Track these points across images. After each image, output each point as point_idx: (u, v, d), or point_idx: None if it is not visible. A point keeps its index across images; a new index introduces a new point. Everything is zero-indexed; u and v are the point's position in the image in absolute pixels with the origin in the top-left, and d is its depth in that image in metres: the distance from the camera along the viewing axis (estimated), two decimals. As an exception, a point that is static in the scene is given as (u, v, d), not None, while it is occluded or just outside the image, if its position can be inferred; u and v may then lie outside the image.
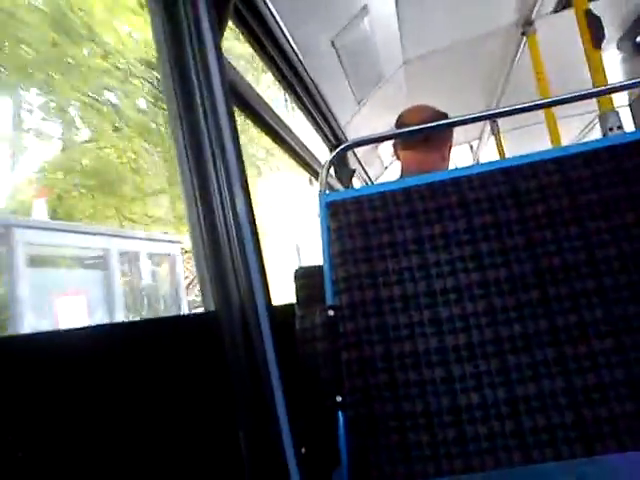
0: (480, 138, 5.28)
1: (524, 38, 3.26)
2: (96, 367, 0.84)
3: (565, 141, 3.27)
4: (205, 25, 1.39)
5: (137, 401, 0.92)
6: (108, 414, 0.84)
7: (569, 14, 2.91)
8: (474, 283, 1.40)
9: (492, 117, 1.68)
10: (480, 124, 4.96)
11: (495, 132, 4.50)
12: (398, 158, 2.17)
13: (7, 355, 0.70)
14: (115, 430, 0.85)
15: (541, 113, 3.21)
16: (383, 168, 5.07)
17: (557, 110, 3.16)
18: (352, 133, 3.57)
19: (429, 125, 1.72)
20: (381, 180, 5.02)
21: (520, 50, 3.39)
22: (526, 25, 3.17)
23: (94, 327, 0.95)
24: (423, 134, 1.94)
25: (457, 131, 2.15)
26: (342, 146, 1.63)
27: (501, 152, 4.47)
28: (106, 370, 0.86)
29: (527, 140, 4.34)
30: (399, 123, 2.08)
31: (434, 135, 2.03)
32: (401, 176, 2.11)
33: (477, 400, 1.34)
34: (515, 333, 1.35)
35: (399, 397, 1.39)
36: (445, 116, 2.01)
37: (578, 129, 5.38)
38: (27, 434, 0.70)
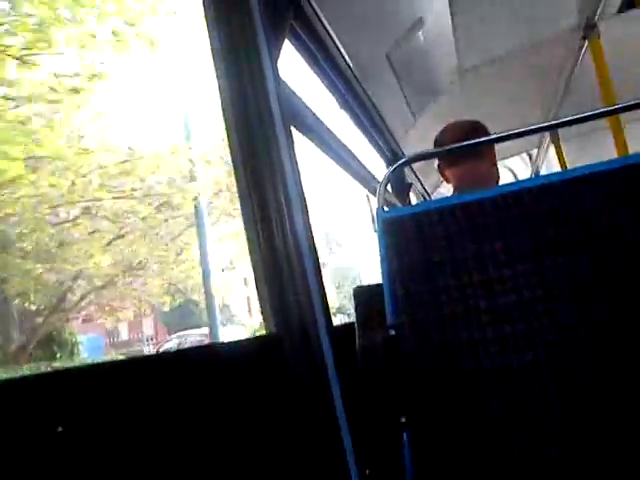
0: (539, 147, 5.13)
1: (586, 42, 3.15)
2: (163, 393, 0.84)
3: (633, 149, 3.14)
4: (262, 44, 1.40)
5: (200, 426, 0.91)
6: (174, 439, 0.84)
7: (635, 14, 2.80)
8: (538, 299, 1.34)
9: (552, 128, 1.63)
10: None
11: (555, 141, 4.36)
12: (444, 177, 2.13)
13: (81, 382, 0.71)
14: (179, 454, 0.85)
15: (606, 120, 3.08)
16: (439, 181, 5.00)
17: (623, 116, 3.03)
18: (408, 147, 3.53)
19: (488, 138, 1.68)
20: (438, 193, 4.95)
21: (582, 54, 3.28)
22: (588, 28, 3.06)
23: (160, 355, 0.95)
24: (470, 148, 1.89)
25: (515, 140, 2.09)
26: (399, 162, 1.60)
27: (562, 162, 4.33)
28: (172, 396, 0.85)
29: (591, 148, 4.19)
30: (439, 142, 2.04)
31: (480, 147, 1.98)
32: (454, 193, 2.07)
33: (546, 420, 1.28)
34: (585, 351, 1.29)
35: (464, 417, 1.34)
36: (484, 127, 1.97)
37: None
38: (100, 459, 0.70)
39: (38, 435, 0.65)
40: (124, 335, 32.75)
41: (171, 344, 23.54)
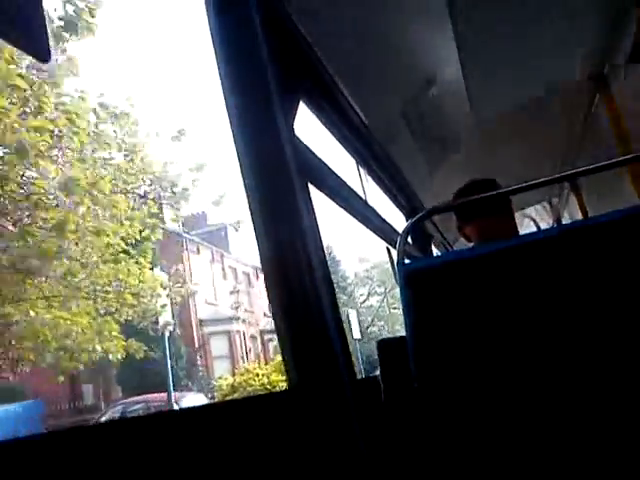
0: (560, 195, 5.12)
1: (597, 92, 3.20)
2: (185, 449, 0.83)
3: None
4: (277, 106, 1.45)
5: None
6: None
7: (644, 63, 2.83)
8: (564, 349, 1.32)
9: (570, 178, 1.64)
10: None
11: (575, 189, 4.35)
12: (464, 235, 2.15)
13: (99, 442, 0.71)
14: None
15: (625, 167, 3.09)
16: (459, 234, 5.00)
17: (643, 163, 3.03)
18: (427, 200, 3.56)
19: (505, 190, 1.70)
20: (459, 245, 4.94)
21: (595, 103, 3.32)
22: (597, 78, 3.11)
23: (183, 410, 0.95)
24: (487, 202, 1.92)
25: (537, 190, 2.11)
26: (420, 214, 1.62)
27: (583, 210, 4.31)
28: (193, 451, 0.85)
29: (611, 195, 4.17)
30: (457, 197, 2.08)
31: (498, 202, 2.02)
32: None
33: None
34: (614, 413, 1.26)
35: (489, 472, 1.31)
36: (499, 186, 2.00)
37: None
38: None
39: None
40: (89, 398, 26.98)
41: (111, 414, 19.79)
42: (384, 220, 2.57)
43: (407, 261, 1.59)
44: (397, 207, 3.28)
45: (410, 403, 1.43)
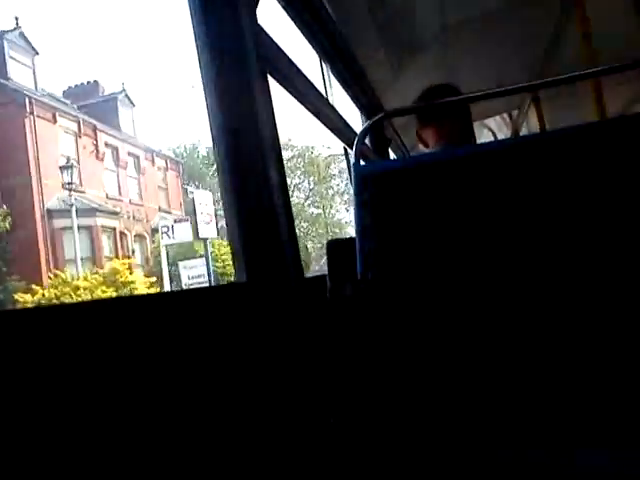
0: (520, 108, 5.12)
1: (569, 4, 3.12)
2: (130, 338, 0.84)
3: (611, 110, 3.14)
4: None
5: (171, 371, 0.92)
6: (155, 377, 0.85)
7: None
8: (508, 259, 1.36)
9: (533, 88, 1.62)
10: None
11: (536, 102, 4.35)
12: (420, 139, 2.14)
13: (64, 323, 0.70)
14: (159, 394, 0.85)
15: (586, 83, 3.07)
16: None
17: (604, 78, 3.02)
18: (389, 102, 3.50)
19: (467, 96, 1.67)
20: (417, 151, 4.94)
21: (565, 14, 3.25)
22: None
23: (131, 298, 0.95)
24: (446, 107, 1.90)
25: (497, 100, 2.09)
26: (378, 116, 1.59)
27: (542, 123, 4.33)
28: (139, 341, 0.86)
29: (570, 110, 4.18)
30: (418, 101, 2.05)
31: (457, 108, 2.00)
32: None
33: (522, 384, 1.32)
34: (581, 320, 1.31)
35: (427, 374, 1.37)
36: (460, 92, 1.98)
37: (626, 99, 5.16)
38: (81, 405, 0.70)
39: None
40: None
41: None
42: (344, 120, 2.52)
43: (363, 163, 1.58)
44: (358, 108, 3.22)
45: (354, 304, 1.46)
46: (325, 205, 35.36)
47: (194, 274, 21.23)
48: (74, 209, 20.29)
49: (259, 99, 1.34)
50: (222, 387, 1.07)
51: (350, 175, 1.57)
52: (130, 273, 19.94)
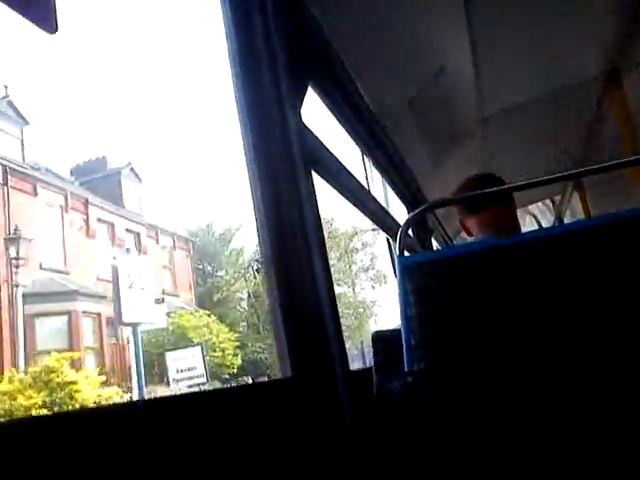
0: (563, 194, 5.10)
1: (608, 91, 3.16)
2: (185, 433, 0.83)
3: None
4: (285, 89, 1.43)
5: (218, 465, 0.90)
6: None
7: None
8: (560, 349, 1.32)
9: (574, 177, 1.62)
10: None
11: (579, 188, 4.33)
12: (464, 228, 2.14)
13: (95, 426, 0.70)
14: None
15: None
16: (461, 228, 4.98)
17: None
18: (430, 193, 3.54)
19: (509, 186, 1.68)
20: (460, 239, 4.93)
21: (605, 103, 3.29)
22: (610, 78, 3.08)
23: (174, 397, 0.95)
24: (489, 196, 1.91)
25: (539, 187, 2.10)
26: (421, 207, 1.60)
27: (586, 209, 4.29)
28: (192, 436, 0.85)
29: (616, 195, 4.15)
30: (460, 191, 2.08)
31: (501, 197, 2.01)
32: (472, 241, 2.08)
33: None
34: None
35: (482, 468, 1.31)
36: (503, 181, 1.99)
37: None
38: None
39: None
40: None
41: None
42: (386, 211, 2.56)
43: (406, 254, 1.58)
44: (399, 198, 3.26)
45: (402, 398, 1.42)
46: (349, 283, 32.11)
47: (185, 366, 17.38)
48: (50, 291, 17.49)
49: (304, 195, 1.37)
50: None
51: (394, 266, 1.57)
52: (79, 370, 15.02)
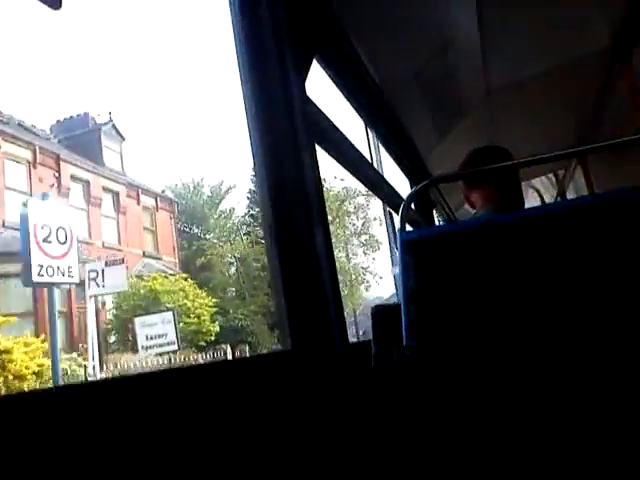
0: (566, 168, 5.08)
1: (617, 65, 3.12)
2: (192, 400, 0.85)
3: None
4: (290, 58, 1.42)
5: (217, 431, 0.92)
6: (199, 437, 0.85)
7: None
8: (558, 326, 1.33)
9: (580, 154, 1.62)
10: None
11: (583, 162, 4.31)
12: (467, 200, 2.13)
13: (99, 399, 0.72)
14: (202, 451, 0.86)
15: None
16: (463, 201, 4.96)
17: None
18: (433, 165, 3.53)
19: (514, 162, 1.68)
20: (462, 211, 4.93)
21: (613, 77, 3.25)
22: (620, 52, 3.03)
23: (184, 369, 0.97)
24: (494, 170, 1.90)
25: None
26: (424, 183, 1.60)
27: (590, 184, 4.27)
28: (186, 411, 0.87)
29: (620, 170, 4.13)
30: (465, 164, 2.05)
31: (505, 171, 1.99)
32: (475, 214, 2.07)
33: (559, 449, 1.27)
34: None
35: (476, 441, 1.33)
36: (509, 154, 1.97)
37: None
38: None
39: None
40: None
41: None
42: (390, 185, 2.55)
43: (408, 227, 1.58)
44: (402, 171, 3.26)
45: (400, 370, 1.44)
46: (339, 248, 29.21)
47: (155, 333, 16.36)
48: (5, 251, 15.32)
49: (307, 167, 1.37)
50: (269, 453, 1.06)
51: (395, 240, 1.57)
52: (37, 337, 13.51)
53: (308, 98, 1.54)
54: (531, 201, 5.15)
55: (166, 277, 19.81)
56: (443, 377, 1.40)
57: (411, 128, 3.00)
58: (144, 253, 23.71)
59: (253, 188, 30.03)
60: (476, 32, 2.45)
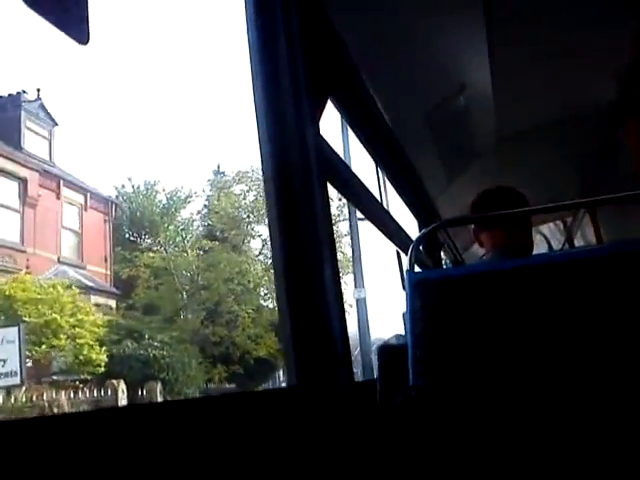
0: (574, 216, 5.09)
1: (624, 118, 3.17)
2: (190, 435, 0.85)
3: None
4: (305, 100, 1.46)
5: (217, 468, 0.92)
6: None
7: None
8: (564, 372, 1.33)
9: (589, 205, 1.64)
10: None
11: (591, 211, 4.32)
12: (478, 240, 2.13)
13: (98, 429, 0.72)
14: None
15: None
16: (472, 241, 4.98)
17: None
18: (442, 207, 3.56)
19: (525, 209, 1.69)
20: (469, 253, 4.93)
21: (621, 129, 3.29)
22: (628, 105, 3.08)
23: (175, 402, 0.97)
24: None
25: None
26: (434, 225, 1.62)
27: (598, 233, 4.28)
28: (196, 438, 0.86)
29: (628, 220, 4.14)
30: (476, 205, 2.06)
31: (516, 215, 2.00)
32: (483, 256, 2.08)
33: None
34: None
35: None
36: (523, 196, 1.98)
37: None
38: None
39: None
40: None
41: None
42: (399, 226, 2.57)
43: (417, 269, 1.60)
44: (411, 212, 3.28)
45: (405, 411, 1.44)
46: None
47: None
48: None
49: (318, 207, 1.40)
50: None
51: (403, 281, 1.59)
52: None
53: (322, 137, 1.57)
54: (539, 245, 5.16)
55: (40, 282, 14.82)
56: (448, 419, 1.39)
57: (421, 170, 3.04)
58: (59, 259, 19.41)
59: (211, 197, 25.93)
60: (488, 80, 2.51)
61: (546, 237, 5.64)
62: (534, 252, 2.10)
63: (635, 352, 1.29)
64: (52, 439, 0.65)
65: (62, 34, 0.81)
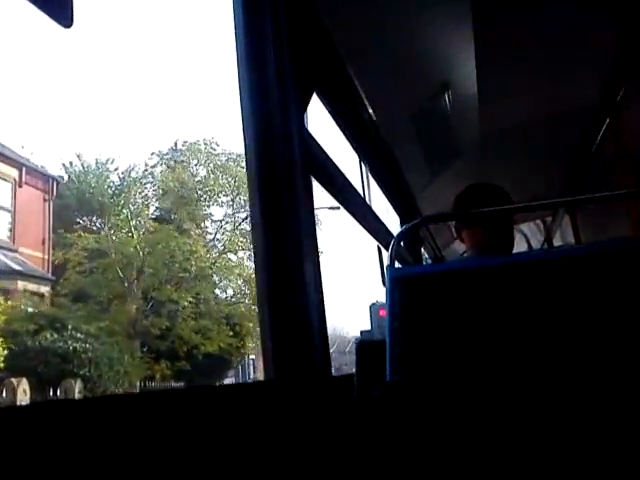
0: (554, 215, 5.15)
1: (607, 120, 3.20)
2: (152, 435, 0.84)
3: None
4: (290, 95, 1.45)
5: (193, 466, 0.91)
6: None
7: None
8: (537, 367, 1.35)
9: (570, 204, 1.65)
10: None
11: (571, 212, 4.37)
12: (460, 236, 2.14)
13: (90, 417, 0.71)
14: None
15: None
16: (452, 238, 5.02)
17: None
18: (424, 203, 3.57)
19: (507, 207, 1.70)
20: (449, 250, 4.97)
21: (603, 131, 3.33)
22: (610, 107, 3.12)
23: (151, 393, 0.96)
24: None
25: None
26: (416, 221, 1.63)
27: (576, 233, 4.33)
28: (159, 439, 0.86)
29: (606, 220, 4.20)
30: (459, 201, 2.06)
31: (498, 214, 2.00)
32: (464, 252, 2.09)
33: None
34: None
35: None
36: (507, 194, 1.99)
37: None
38: None
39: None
40: None
41: None
42: (380, 221, 2.58)
43: (397, 265, 1.60)
44: (393, 207, 3.29)
45: (382, 406, 1.44)
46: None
47: None
48: None
49: (301, 201, 1.39)
50: None
51: (383, 277, 1.59)
52: None
53: (307, 130, 1.57)
54: (519, 244, 5.20)
55: None
56: (425, 414, 1.40)
57: (404, 166, 3.05)
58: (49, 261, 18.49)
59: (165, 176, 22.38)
60: (473, 78, 2.52)
61: (526, 236, 5.70)
62: (514, 251, 2.12)
63: (610, 347, 1.31)
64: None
65: (45, 16, 0.80)
